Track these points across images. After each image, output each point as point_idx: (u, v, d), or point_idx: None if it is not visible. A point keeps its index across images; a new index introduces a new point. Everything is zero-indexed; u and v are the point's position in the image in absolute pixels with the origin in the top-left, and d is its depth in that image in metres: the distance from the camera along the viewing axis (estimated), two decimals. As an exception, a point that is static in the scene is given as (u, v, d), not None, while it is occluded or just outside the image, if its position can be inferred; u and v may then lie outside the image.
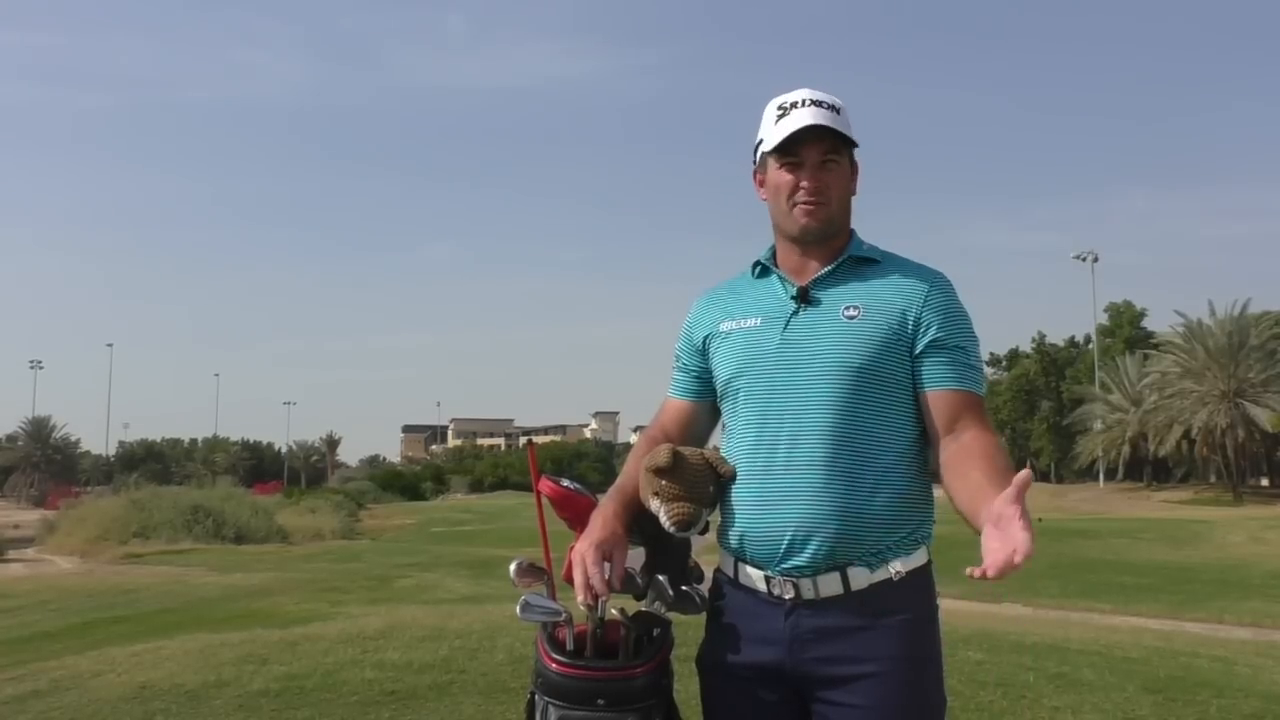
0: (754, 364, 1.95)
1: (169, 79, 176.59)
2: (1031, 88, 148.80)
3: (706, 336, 2.06)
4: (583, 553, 1.83)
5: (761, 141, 1.98)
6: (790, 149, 1.93)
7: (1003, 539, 1.52)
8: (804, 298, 1.95)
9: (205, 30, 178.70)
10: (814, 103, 1.93)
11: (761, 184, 2.02)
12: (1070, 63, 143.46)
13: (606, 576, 1.81)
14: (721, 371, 2.02)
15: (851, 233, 2.03)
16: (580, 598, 1.82)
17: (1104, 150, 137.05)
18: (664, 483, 1.87)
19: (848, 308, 1.92)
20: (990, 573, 1.49)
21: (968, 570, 1.50)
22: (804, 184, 1.93)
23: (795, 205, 1.94)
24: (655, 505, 1.88)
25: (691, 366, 2.10)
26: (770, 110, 1.97)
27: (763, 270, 2.05)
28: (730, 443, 1.99)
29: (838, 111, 1.94)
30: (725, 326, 2.02)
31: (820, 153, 1.92)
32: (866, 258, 1.98)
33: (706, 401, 2.08)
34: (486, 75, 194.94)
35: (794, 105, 1.94)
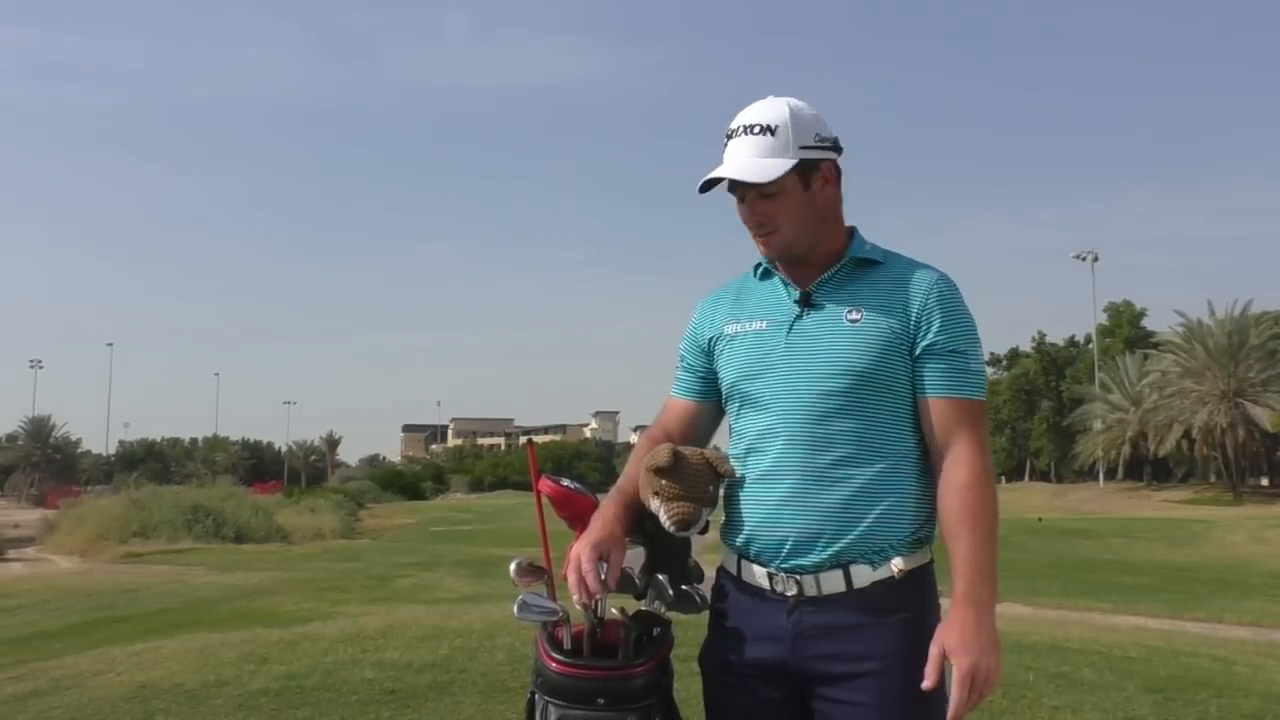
0: (759, 368, 1.95)
1: (169, 77, 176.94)
2: (1036, 86, 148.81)
3: (712, 339, 2.06)
4: (579, 553, 1.84)
5: None
6: (730, 186, 1.95)
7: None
8: (807, 302, 1.96)
9: (206, 28, 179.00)
10: (746, 129, 1.93)
11: None
12: (1075, 61, 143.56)
13: (602, 577, 1.81)
14: (727, 374, 2.02)
15: (853, 232, 2.02)
16: (575, 597, 1.83)
17: (1108, 149, 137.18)
18: (664, 482, 1.88)
19: (850, 311, 1.92)
20: None
21: None
22: (745, 219, 1.97)
23: (755, 236, 1.98)
24: (655, 505, 1.89)
25: (696, 367, 2.10)
26: (724, 138, 1.98)
27: (765, 272, 2.05)
28: (736, 444, 2.00)
29: (772, 133, 1.91)
30: (730, 329, 2.03)
31: (754, 187, 1.92)
32: (869, 259, 1.97)
33: (710, 402, 2.08)
34: (487, 73, 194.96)
35: (731, 135, 1.95)
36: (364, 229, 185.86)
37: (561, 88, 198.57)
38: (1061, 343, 68.54)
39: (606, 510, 1.94)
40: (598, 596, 1.82)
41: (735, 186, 1.94)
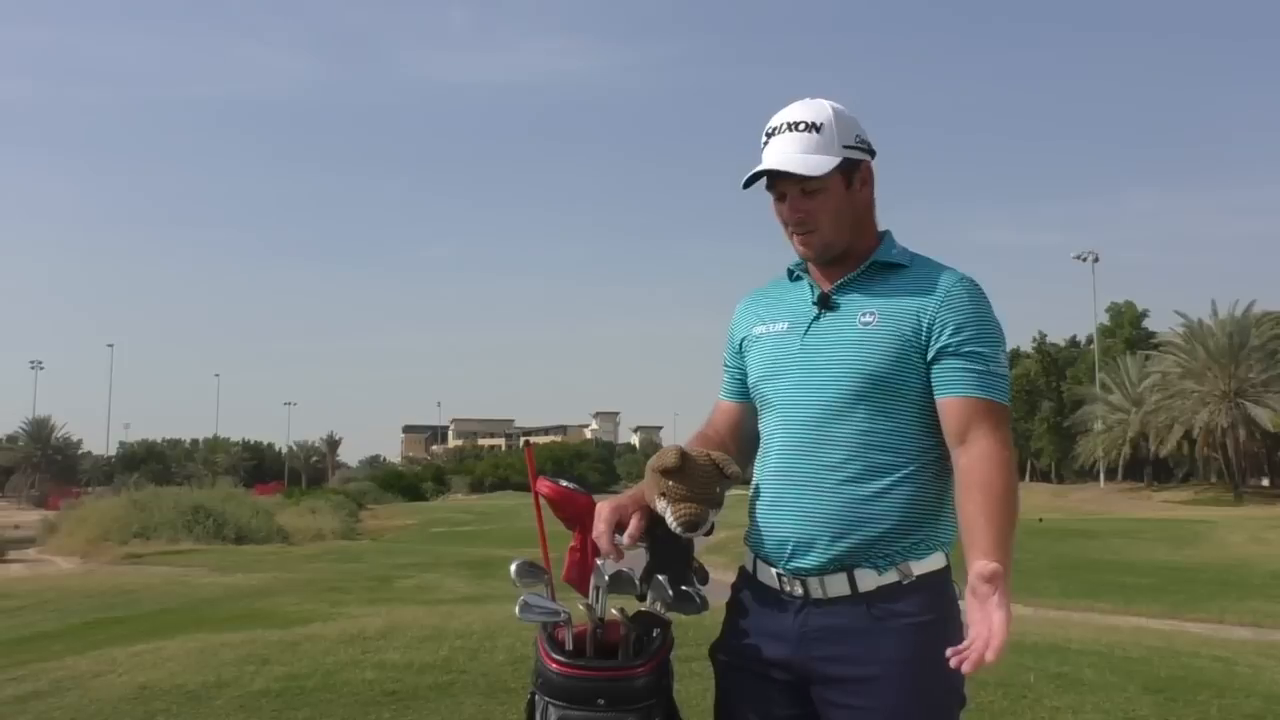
0: (777, 369, 1.98)
1: (169, 76, 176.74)
2: (1038, 85, 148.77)
3: (743, 340, 2.09)
4: (600, 510, 1.91)
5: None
6: (770, 182, 1.95)
7: (980, 622, 1.67)
8: (825, 303, 1.96)
9: (206, 26, 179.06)
10: (790, 126, 1.92)
11: None
12: (1077, 60, 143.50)
13: (622, 538, 1.88)
14: (750, 375, 2.06)
15: (884, 235, 2.02)
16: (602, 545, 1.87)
17: (1111, 149, 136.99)
18: (671, 483, 1.88)
19: (864, 314, 1.92)
20: (965, 669, 1.66)
21: (949, 653, 1.67)
22: (786, 216, 1.95)
23: (791, 235, 1.97)
24: (662, 506, 1.89)
25: (735, 369, 2.13)
26: (762, 137, 1.98)
27: (797, 275, 2.07)
28: (761, 444, 2.02)
29: (818, 130, 1.91)
30: (757, 330, 2.06)
31: (796, 183, 1.92)
32: (894, 263, 1.97)
33: (751, 402, 2.09)
34: (488, 71, 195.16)
35: (773, 133, 1.94)
36: (364, 229, 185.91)
37: (561, 87, 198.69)
38: (1062, 343, 68.59)
39: (640, 485, 1.98)
40: (610, 557, 1.86)
41: (775, 184, 1.94)
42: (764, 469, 1.97)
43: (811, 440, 1.89)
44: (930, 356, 1.88)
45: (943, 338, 1.87)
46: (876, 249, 1.99)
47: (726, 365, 2.15)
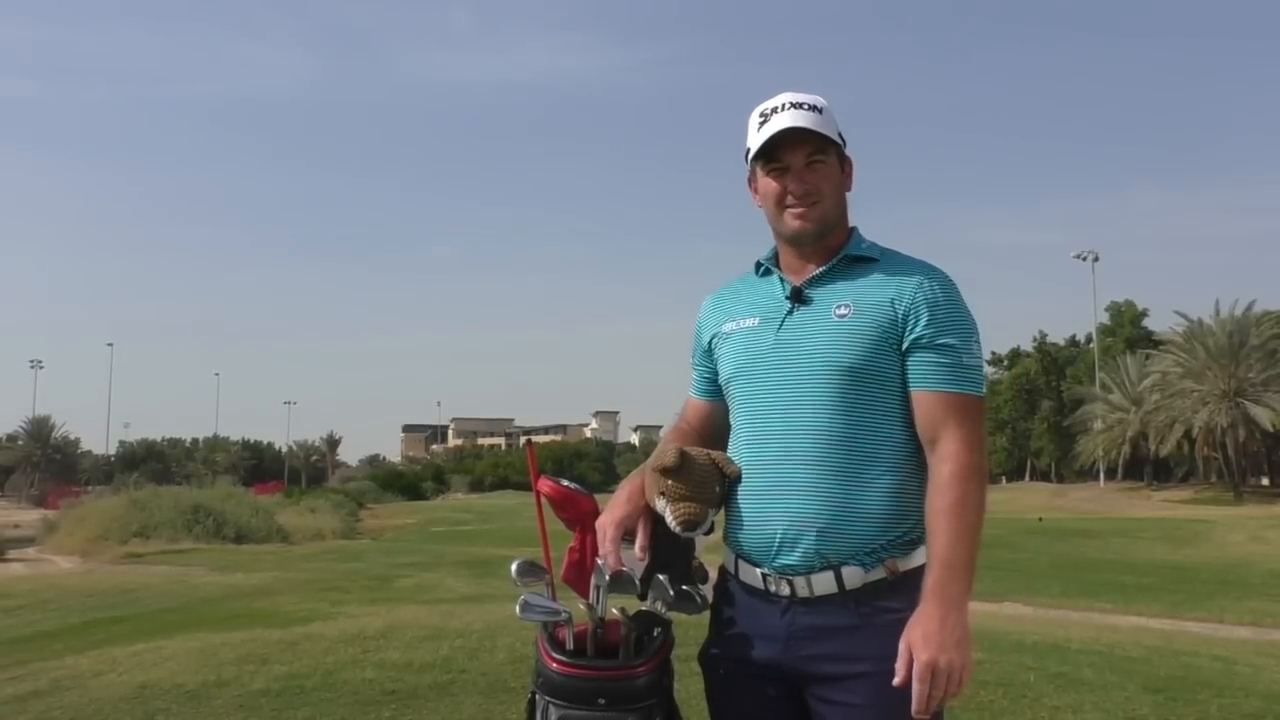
0: (750, 364, 1.97)
1: (170, 74, 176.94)
2: (1038, 85, 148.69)
3: (712, 337, 2.08)
4: (603, 525, 1.90)
5: (749, 150, 1.99)
6: (774, 154, 1.94)
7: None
8: (798, 297, 1.96)
9: (207, 25, 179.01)
10: (794, 105, 1.94)
11: (756, 191, 2.03)
12: (1078, 59, 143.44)
13: (639, 556, 1.88)
14: (722, 371, 2.04)
15: (852, 230, 2.03)
16: (605, 561, 1.87)
17: (1112, 148, 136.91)
18: (670, 483, 1.88)
19: (839, 306, 1.92)
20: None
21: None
22: (791, 188, 1.95)
23: (786, 210, 1.96)
24: (661, 505, 1.89)
25: (703, 367, 2.12)
26: (753, 118, 1.98)
27: (765, 270, 2.06)
28: (733, 442, 2.01)
29: (819, 112, 1.94)
30: (727, 327, 2.05)
31: (804, 155, 1.93)
32: (864, 256, 1.98)
33: (722, 400, 2.09)
34: (489, 71, 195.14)
35: (774, 110, 1.95)
36: (364, 229, 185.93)
37: (561, 87, 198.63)
38: (1062, 342, 68.51)
39: (634, 482, 1.96)
40: (627, 569, 1.86)
41: (777, 157, 1.94)
42: (744, 465, 1.95)
43: (792, 435, 1.88)
44: (905, 348, 1.89)
45: (916, 330, 1.88)
46: (847, 243, 2.00)
47: (695, 364, 2.15)
